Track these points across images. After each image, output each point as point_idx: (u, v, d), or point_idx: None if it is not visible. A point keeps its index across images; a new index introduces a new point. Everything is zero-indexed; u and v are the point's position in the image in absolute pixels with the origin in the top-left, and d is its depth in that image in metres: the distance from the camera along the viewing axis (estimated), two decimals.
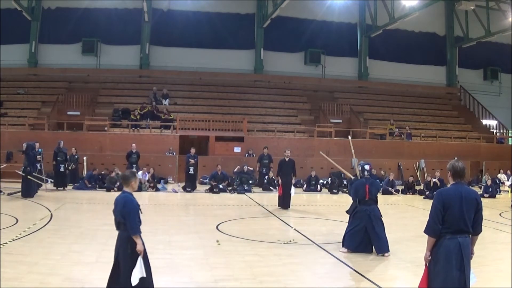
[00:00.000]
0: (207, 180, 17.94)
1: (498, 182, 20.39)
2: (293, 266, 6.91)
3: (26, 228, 8.80)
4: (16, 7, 22.18)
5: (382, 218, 7.91)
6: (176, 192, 16.60)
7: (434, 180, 17.05)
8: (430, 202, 4.71)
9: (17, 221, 9.50)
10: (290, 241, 8.56)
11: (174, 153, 19.87)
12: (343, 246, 7.83)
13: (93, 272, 6.20)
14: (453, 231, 4.30)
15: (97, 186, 16.59)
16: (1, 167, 15.36)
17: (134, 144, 17.41)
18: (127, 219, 4.67)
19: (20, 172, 13.88)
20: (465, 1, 23.75)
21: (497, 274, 6.66)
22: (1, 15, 23.02)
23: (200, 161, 18.33)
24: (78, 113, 21.71)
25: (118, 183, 16.15)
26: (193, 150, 17.30)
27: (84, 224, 9.66)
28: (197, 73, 25.86)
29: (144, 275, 4.69)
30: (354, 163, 9.01)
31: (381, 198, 16.01)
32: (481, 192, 17.18)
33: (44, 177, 15.08)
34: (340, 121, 24.20)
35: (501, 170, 22.34)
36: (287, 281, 6.13)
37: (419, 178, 20.81)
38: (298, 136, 22.23)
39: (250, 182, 18.18)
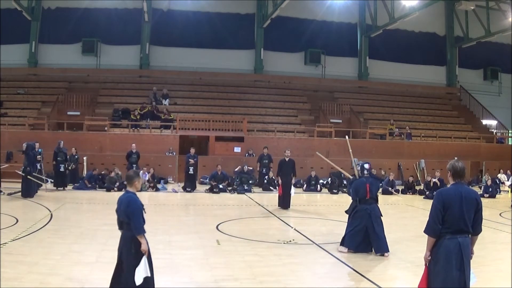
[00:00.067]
0: (207, 180, 17.95)
1: (498, 182, 20.39)
2: (293, 266, 6.91)
3: (26, 228, 8.80)
4: (16, 7, 22.18)
5: (382, 218, 7.91)
6: (176, 192, 16.60)
7: (434, 180, 17.05)
8: (430, 202, 4.72)
9: (17, 221, 9.50)
10: (290, 241, 8.56)
11: (174, 153, 19.87)
12: (342, 245, 7.80)
13: (93, 272, 6.21)
14: (453, 231, 4.30)
15: (97, 186, 16.59)
16: (3, 167, 15.37)
17: (134, 144, 17.41)
18: (131, 219, 4.67)
19: (20, 172, 13.89)
20: (465, 1, 23.75)
21: (497, 274, 6.66)
22: (1, 15, 23.02)
23: (200, 161, 18.34)
24: (78, 113, 21.71)
25: (118, 183, 16.19)
26: (192, 150, 17.30)
27: (84, 224, 9.66)
28: (197, 73, 25.86)
29: (149, 275, 4.70)
30: (353, 163, 9.00)
31: (381, 198, 16.02)
32: (481, 192, 17.18)
33: (44, 177, 15.08)
34: (340, 121, 24.21)
35: (501, 170, 22.34)
36: (287, 281, 6.13)
37: (419, 178, 20.81)
38: (298, 136, 22.23)
39: (250, 182, 18.18)
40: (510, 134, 27.75)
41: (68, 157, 16.66)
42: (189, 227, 10.03)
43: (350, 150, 9.20)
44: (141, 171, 16.82)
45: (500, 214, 12.69)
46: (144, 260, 4.67)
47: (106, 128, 20.71)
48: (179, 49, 26.01)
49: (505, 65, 28.81)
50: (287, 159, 13.42)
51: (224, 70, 26.19)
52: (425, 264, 4.45)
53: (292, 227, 10.25)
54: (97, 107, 23.10)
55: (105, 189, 16.03)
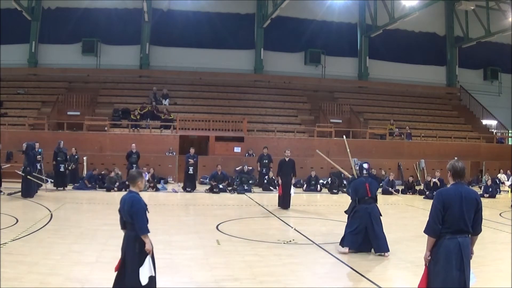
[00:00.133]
0: (207, 180, 17.95)
1: (498, 182, 20.39)
2: (293, 266, 6.91)
3: (26, 228, 8.80)
4: (16, 7, 22.18)
5: (381, 217, 7.91)
6: (176, 192, 16.61)
7: (434, 180, 17.05)
8: (430, 202, 4.71)
9: (17, 221, 9.50)
10: (290, 241, 8.56)
11: (174, 153, 19.88)
12: (342, 245, 7.78)
13: (93, 272, 6.21)
14: (453, 231, 4.30)
15: (97, 186, 16.58)
16: (4, 167, 15.38)
17: (134, 144, 17.41)
18: (135, 218, 4.68)
19: (20, 172, 13.89)
20: (465, 1, 23.75)
21: (497, 274, 6.66)
22: (1, 15, 23.02)
23: (200, 161, 18.34)
24: (78, 113, 21.72)
25: (118, 183, 16.19)
26: (192, 150, 17.30)
27: (84, 224, 9.66)
28: (197, 73, 25.87)
29: (153, 274, 4.72)
30: (352, 163, 9.00)
31: (381, 198, 15.99)
32: (481, 192, 17.18)
33: (44, 177, 15.08)
34: (340, 121, 24.21)
35: (501, 170, 22.34)
36: (287, 281, 6.13)
37: (419, 178, 20.81)
38: (298, 136, 22.23)
39: (250, 182, 18.19)
40: (510, 134, 27.75)
41: (68, 157, 16.65)
42: (189, 227, 10.03)
43: (348, 150, 9.20)
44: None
45: (500, 214, 12.69)
46: (148, 260, 4.68)
47: (106, 128, 20.71)
48: (179, 49, 26.01)
49: (505, 65, 28.81)
50: (287, 159, 13.42)
51: (224, 70, 26.19)
52: (425, 264, 4.45)
53: (292, 227, 10.25)
54: (97, 107, 23.11)
55: (105, 189, 16.02)
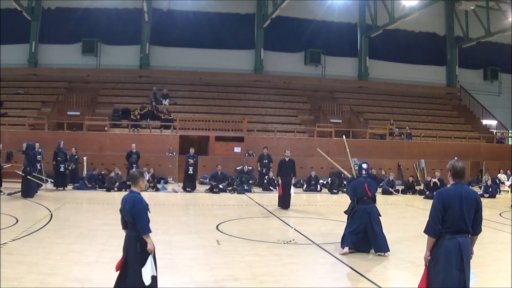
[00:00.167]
0: (207, 180, 17.95)
1: (498, 182, 20.39)
2: (293, 266, 6.91)
3: (26, 228, 8.80)
4: (16, 7, 22.18)
5: (380, 218, 7.91)
6: (176, 192, 16.61)
7: (434, 180, 17.05)
8: (430, 202, 4.72)
9: (17, 221, 9.50)
10: (290, 241, 8.56)
11: (174, 153, 19.88)
12: (342, 246, 7.77)
13: (93, 272, 6.21)
14: (453, 231, 4.30)
15: (97, 186, 16.58)
16: (5, 166, 15.38)
17: (134, 144, 17.41)
18: (137, 219, 4.68)
19: (20, 172, 13.89)
20: (465, 1, 23.75)
21: (497, 274, 6.66)
22: (1, 15, 23.02)
23: (200, 161, 18.34)
24: (78, 113, 21.72)
25: (118, 183, 16.19)
26: (192, 150, 17.30)
27: (84, 224, 9.67)
28: (197, 73, 25.87)
29: (155, 274, 4.72)
30: (352, 163, 9.00)
31: (381, 198, 16.03)
32: (481, 192, 17.18)
33: (44, 177, 15.08)
34: (340, 121, 24.22)
35: (501, 170, 22.34)
36: (287, 281, 6.13)
37: (419, 178, 20.81)
38: (298, 136, 22.23)
39: (250, 182, 18.19)
40: (510, 134, 27.76)
41: (68, 157, 16.66)
42: (189, 227, 10.03)
43: (348, 150, 9.20)
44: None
45: (500, 214, 12.69)
46: (150, 260, 4.69)
47: (106, 128, 20.71)
48: (179, 49, 26.01)
49: (505, 65, 28.81)
50: (287, 159, 13.42)
51: (224, 70, 26.19)
52: (425, 264, 4.45)
53: (292, 227, 10.25)
54: (97, 107, 23.11)
55: (105, 189, 16.02)
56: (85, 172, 17.83)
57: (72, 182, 16.81)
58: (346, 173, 9.55)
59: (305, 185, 18.34)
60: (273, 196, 14.94)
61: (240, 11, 26.80)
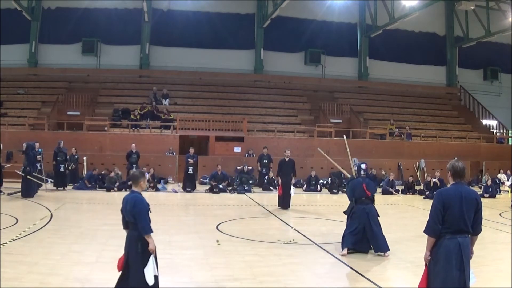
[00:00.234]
0: (207, 180, 17.95)
1: (498, 182, 20.39)
2: (293, 266, 6.91)
3: (26, 228, 8.80)
4: (16, 7, 22.18)
5: (379, 218, 7.92)
6: (176, 192, 16.61)
7: (434, 180, 17.05)
8: (430, 202, 4.72)
9: (17, 221, 9.50)
10: (290, 241, 8.56)
11: (174, 153, 19.88)
12: (342, 247, 7.74)
13: (93, 272, 6.21)
14: (453, 231, 4.30)
15: (97, 186, 16.58)
16: (6, 166, 15.37)
17: (134, 144, 17.42)
18: (138, 218, 4.69)
19: (20, 172, 13.89)
20: (465, 1, 23.75)
21: (497, 274, 6.66)
22: (1, 15, 23.02)
23: (200, 161, 18.34)
24: (78, 113, 21.72)
25: (118, 183, 16.19)
26: (192, 150, 17.30)
27: (84, 224, 9.67)
28: (197, 73, 25.87)
29: (157, 274, 4.73)
30: (352, 163, 9.00)
31: (381, 198, 16.05)
32: (481, 192, 17.18)
33: (44, 177, 15.08)
34: (340, 121, 24.21)
35: (501, 170, 22.34)
36: (287, 281, 6.13)
37: (419, 178, 20.81)
38: (298, 136, 22.23)
39: (250, 182, 18.19)
40: (510, 134, 27.76)
41: (68, 157, 16.65)
42: (189, 227, 10.03)
43: (348, 150, 9.20)
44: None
45: (500, 214, 12.69)
46: (152, 260, 4.70)
47: (106, 128, 20.72)
48: (179, 49, 26.01)
49: (505, 65, 28.82)
50: (287, 159, 13.42)
51: (224, 70, 26.19)
52: (425, 264, 4.45)
53: (292, 227, 10.25)
54: (97, 107, 23.11)
55: (105, 189, 16.02)
56: (85, 172, 17.83)
57: (72, 182, 16.81)
58: (345, 173, 9.56)
59: (305, 185, 18.34)
60: (273, 196, 14.94)
61: (240, 11, 26.80)
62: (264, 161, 18.29)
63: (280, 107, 24.83)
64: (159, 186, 17.10)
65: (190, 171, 16.80)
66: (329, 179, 18.90)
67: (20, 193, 13.63)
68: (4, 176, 14.88)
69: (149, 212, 4.82)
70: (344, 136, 10.98)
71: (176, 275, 6.23)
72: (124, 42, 25.54)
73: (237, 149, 20.53)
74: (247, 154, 20.46)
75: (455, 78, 29.53)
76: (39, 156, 14.93)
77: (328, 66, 27.56)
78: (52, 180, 15.95)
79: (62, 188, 15.89)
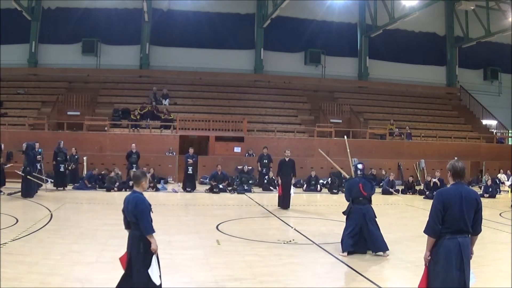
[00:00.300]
0: (207, 180, 17.95)
1: (498, 182, 20.39)
2: (293, 266, 6.91)
3: (26, 228, 8.80)
4: (16, 7, 22.18)
5: (376, 218, 7.92)
6: (176, 192, 16.61)
7: (434, 180, 17.05)
8: (430, 202, 4.72)
9: (17, 221, 9.50)
10: (290, 241, 8.57)
11: (174, 153, 19.87)
12: (342, 250, 7.70)
13: (93, 272, 6.21)
14: (453, 231, 4.30)
15: (97, 186, 16.58)
16: (7, 166, 15.37)
17: (134, 144, 17.43)
18: (140, 219, 4.69)
19: (20, 172, 13.89)
20: (465, 1, 23.75)
21: (497, 274, 6.66)
22: (1, 15, 23.03)
23: (200, 161, 18.35)
24: (78, 113, 21.72)
25: (118, 183, 16.19)
26: (191, 150, 17.30)
27: (84, 224, 9.66)
28: (197, 73, 25.87)
29: (159, 273, 4.74)
30: (352, 163, 9.01)
31: (381, 198, 16.06)
32: (481, 192, 17.18)
33: (44, 177, 15.08)
34: (340, 121, 24.21)
35: (501, 170, 22.34)
36: (287, 281, 6.13)
37: (419, 178, 20.81)
38: (298, 136, 22.23)
39: (250, 182, 18.19)
40: (510, 134, 27.76)
41: (68, 157, 16.66)
42: (189, 227, 10.03)
43: (348, 150, 9.21)
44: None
45: (500, 214, 12.69)
46: (154, 259, 4.71)
47: (106, 128, 20.71)
48: (179, 49, 26.01)
49: (505, 65, 28.82)
50: (287, 159, 13.42)
51: (224, 70, 26.19)
52: (425, 264, 4.46)
53: (292, 227, 10.25)
54: (97, 107, 23.11)
55: (105, 189, 16.02)
56: (85, 172, 17.84)
57: (72, 182, 16.81)
58: (345, 173, 9.56)
59: (305, 185, 18.34)
60: (273, 196, 14.94)
61: (240, 11, 26.80)
62: (264, 161, 18.30)
63: (280, 107, 24.83)
64: (159, 186, 17.10)
65: (190, 171, 16.80)
66: (329, 179, 18.90)
67: (20, 193, 13.63)
68: (5, 176, 14.89)
69: (151, 212, 4.83)
70: (345, 136, 11.00)
71: (176, 275, 6.23)
72: (124, 42, 25.54)
73: (237, 149, 20.53)
74: (247, 154, 20.46)
75: (455, 78, 29.54)
76: (39, 156, 14.93)
77: (328, 66, 27.56)
78: (52, 180, 15.95)
79: (62, 188, 15.89)
